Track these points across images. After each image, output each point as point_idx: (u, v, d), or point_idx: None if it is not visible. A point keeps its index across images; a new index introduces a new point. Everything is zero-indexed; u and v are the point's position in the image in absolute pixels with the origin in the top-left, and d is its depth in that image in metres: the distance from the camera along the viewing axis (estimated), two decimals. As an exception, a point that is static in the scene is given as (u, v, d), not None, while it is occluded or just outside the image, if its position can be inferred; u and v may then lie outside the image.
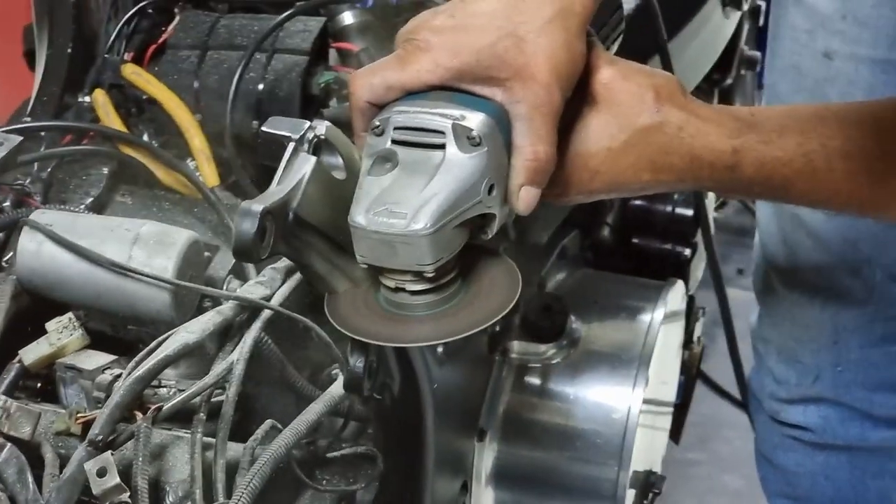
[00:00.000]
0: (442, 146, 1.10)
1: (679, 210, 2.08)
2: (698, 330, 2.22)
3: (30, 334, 1.40)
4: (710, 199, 2.14)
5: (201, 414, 1.31)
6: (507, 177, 1.13)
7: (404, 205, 1.08)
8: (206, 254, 1.49)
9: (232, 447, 1.32)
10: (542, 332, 1.75)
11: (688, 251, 2.11)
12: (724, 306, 2.11)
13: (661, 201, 2.08)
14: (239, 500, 1.23)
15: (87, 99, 1.70)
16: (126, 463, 1.24)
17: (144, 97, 1.71)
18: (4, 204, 1.54)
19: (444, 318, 1.15)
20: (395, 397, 1.45)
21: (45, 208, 1.50)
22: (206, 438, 1.31)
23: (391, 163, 1.11)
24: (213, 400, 1.34)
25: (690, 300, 2.08)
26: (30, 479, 1.22)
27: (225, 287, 1.48)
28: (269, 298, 1.40)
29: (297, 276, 1.44)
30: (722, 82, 2.89)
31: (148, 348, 1.31)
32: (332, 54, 1.79)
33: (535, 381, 1.76)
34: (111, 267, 1.38)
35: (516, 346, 1.75)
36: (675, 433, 2.28)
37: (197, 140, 1.66)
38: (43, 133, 1.65)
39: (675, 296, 1.89)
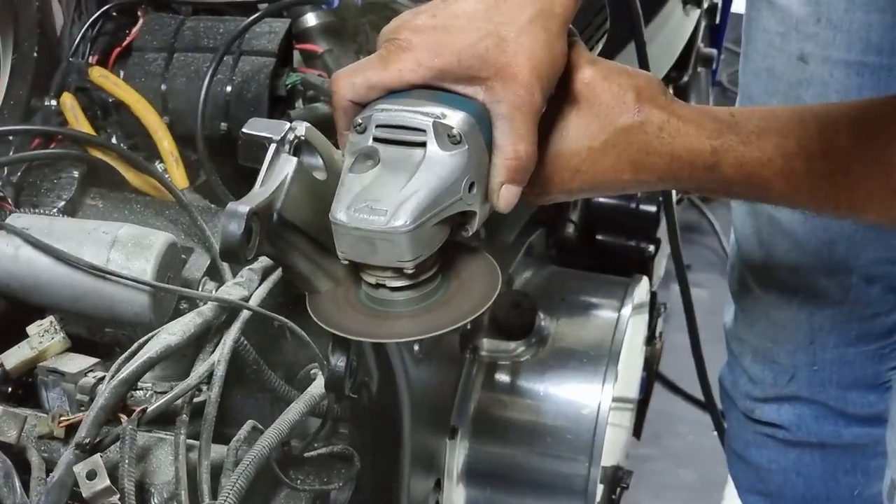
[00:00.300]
0: (423, 144, 1.11)
1: (642, 207, 2.10)
2: (660, 326, 2.24)
3: (8, 339, 1.39)
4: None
5: (184, 416, 1.31)
6: (488, 175, 1.14)
7: (385, 202, 1.09)
8: (182, 256, 1.48)
9: (213, 448, 1.32)
10: (512, 330, 1.76)
11: (651, 247, 2.13)
12: (688, 304, 2.14)
13: (624, 198, 2.09)
14: (225, 500, 1.23)
15: (53, 102, 1.69)
16: (111, 465, 1.23)
17: (111, 100, 1.70)
18: (-23, 209, 1.53)
19: (425, 315, 1.16)
20: (372, 396, 1.45)
21: (19, 212, 1.49)
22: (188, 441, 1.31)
23: (373, 160, 1.12)
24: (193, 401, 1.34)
25: (652, 296, 2.10)
26: (17, 483, 1.22)
27: (201, 288, 1.48)
28: (247, 299, 1.40)
29: (275, 276, 1.44)
30: (679, 80, 2.91)
31: (130, 350, 1.31)
32: (296, 56, 1.80)
33: (504, 378, 1.77)
34: (90, 270, 1.37)
35: (486, 344, 1.76)
36: (636, 429, 2.30)
37: (166, 142, 1.66)
38: (11, 137, 1.64)
39: (641, 292, 1.91)
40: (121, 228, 1.41)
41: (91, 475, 1.18)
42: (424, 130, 1.10)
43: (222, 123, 1.68)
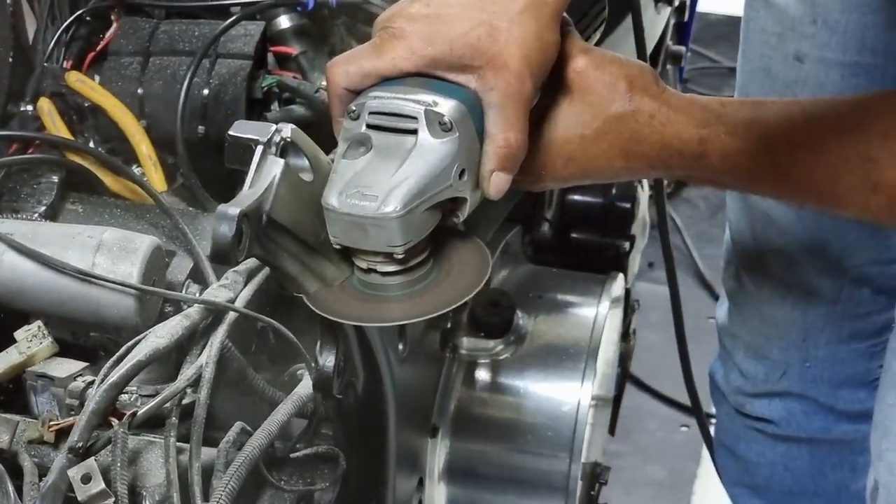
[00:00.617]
0: (414, 131, 1.13)
1: (617, 203, 2.11)
2: (634, 322, 2.25)
3: (-6, 344, 1.39)
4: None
5: (173, 418, 1.31)
6: (479, 162, 1.16)
7: (376, 188, 1.11)
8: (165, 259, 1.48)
9: (202, 451, 1.32)
10: (490, 328, 1.77)
11: (626, 244, 2.14)
12: (676, 302, 2.16)
13: (598, 195, 2.11)
14: (218, 502, 1.24)
15: (30, 108, 1.68)
16: (102, 469, 1.23)
17: (87, 105, 1.70)
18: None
19: (416, 299, 1.18)
20: (358, 396, 1.46)
21: (1, 217, 1.48)
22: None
23: (365, 147, 1.14)
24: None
25: (626, 293, 2.11)
26: (10, 488, 1.21)
27: (185, 291, 1.48)
28: (232, 301, 1.40)
29: (259, 278, 1.44)
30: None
31: (118, 354, 1.31)
32: (269, 58, 1.80)
33: (484, 376, 1.78)
34: (76, 274, 1.37)
35: (465, 343, 1.77)
36: (611, 425, 2.32)
37: (143, 146, 1.66)
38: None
39: (617, 289, 1.92)
40: (105, 232, 1.41)
41: (86, 479, 1.18)
42: (416, 118, 1.13)
43: (199, 126, 1.68)
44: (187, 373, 1.34)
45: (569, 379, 1.77)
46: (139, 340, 1.32)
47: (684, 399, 3.17)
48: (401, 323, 1.36)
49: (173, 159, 1.69)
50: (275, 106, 1.74)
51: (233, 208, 1.09)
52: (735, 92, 1.91)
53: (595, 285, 1.87)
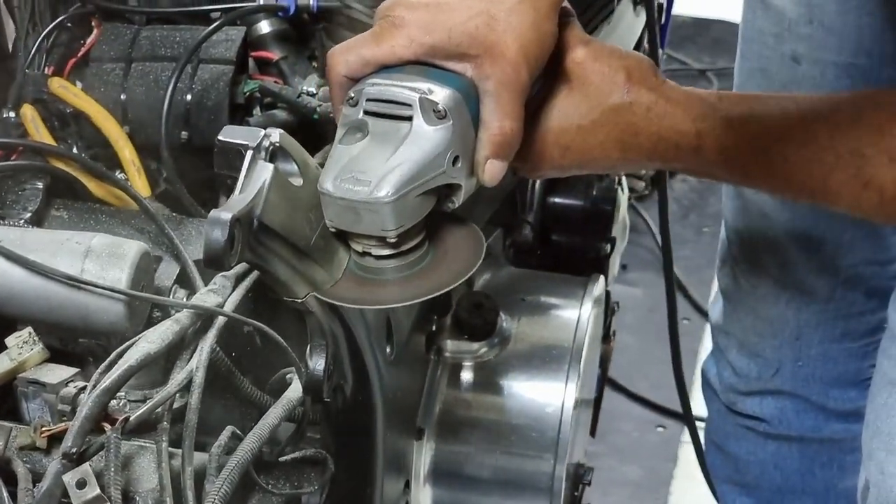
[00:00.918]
0: (410, 118, 1.16)
1: (597, 206, 2.12)
2: (614, 324, 2.26)
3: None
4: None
5: (165, 423, 1.32)
6: (474, 149, 1.18)
7: (370, 173, 1.14)
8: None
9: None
10: (474, 330, 1.78)
11: (607, 246, 2.15)
12: (672, 303, 2.17)
13: (579, 198, 2.12)
14: (211, 506, 1.24)
15: (12, 114, 1.68)
16: (95, 474, 1.23)
17: (69, 111, 1.69)
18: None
19: (411, 282, 1.21)
20: (346, 400, 1.46)
21: (-13, 224, 1.49)
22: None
23: (362, 133, 1.17)
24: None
25: (607, 294, 2.12)
26: (4, 494, 1.22)
27: (172, 296, 1.48)
28: (221, 306, 1.41)
29: (247, 282, 1.45)
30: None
31: (109, 360, 1.31)
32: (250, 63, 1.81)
33: (468, 378, 1.79)
34: (66, 281, 1.37)
35: (450, 345, 1.78)
36: (591, 426, 2.33)
37: (127, 152, 1.66)
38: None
39: (599, 290, 1.93)
40: (94, 238, 1.41)
41: (81, 484, 1.18)
42: (411, 105, 1.15)
43: (183, 132, 1.68)
44: (178, 377, 1.34)
45: (553, 380, 1.77)
46: (130, 346, 1.32)
47: (660, 400, 3.22)
48: (396, 306, 1.37)
49: (156, 165, 1.70)
50: (256, 111, 1.75)
51: (225, 213, 1.09)
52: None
53: (577, 287, 1.88)
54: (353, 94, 1.19)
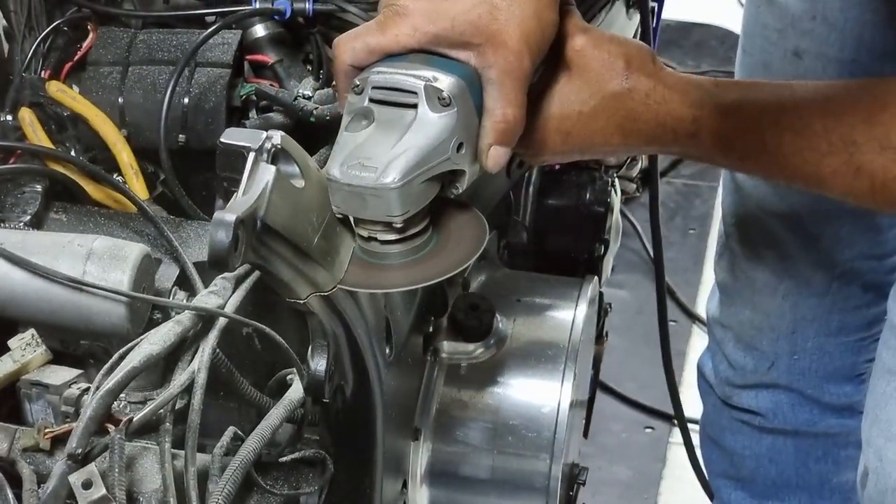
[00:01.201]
0: (415, 105, 1.18)
1: (591, 208, 2.13)
2: (606, 325, 2.27)
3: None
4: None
5: (167, 424, 1.33)
6: (478, 136, 1.21)
7: (375, 160, 1.16)
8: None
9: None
10: (470, 332, 1.78)
11: (601, 248, 2.16)
12: (662, 306, 2.18)
13: (573, 200, 2.13)
14: (215, 506, 1.25)
15: (10, 118, 1.69)
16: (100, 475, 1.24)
17: (66, 114, 1.70)
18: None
19: (415, 266, 1.23)
20: (346, 400, 1.47)
21: (-11, 227, 1.49)
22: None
23: (368, 120, 1.19)
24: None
25: (600, 296, 2.13)
26: (10, 495, 1.22)
27: (172, 298, 1.49)
28: (222, 307, 1.41)
29: (248, 283, 1.45)
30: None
31: (112, 361, 1.32)
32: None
33: (465, 379, 1.79)
34: (69, 283, 1.37)
35: (446, 346, 1.78)
36: (585, 428, 2.33)
37: (124, 155, 1.67)
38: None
39: (593, 291, 1.94)
40: (95, 241, 1.42)
41: (87, 484, 1.19)
42: (416, 93, 1.18)
43: (180, 135, 1.69)
44: (180, 379, 1.35)
45: (549, 380, 1.78)
46: (132, 347, 1.33)
47: (648, 401, 3.23)
48: (400, 289, 1.40)
49: (153, 168, 1.70)
50: (252, 114, 1.75)
51: (229, 215, 1.10)
52: None
53: (571, 288, 1.89)
54: (358, 83, 1.20)
